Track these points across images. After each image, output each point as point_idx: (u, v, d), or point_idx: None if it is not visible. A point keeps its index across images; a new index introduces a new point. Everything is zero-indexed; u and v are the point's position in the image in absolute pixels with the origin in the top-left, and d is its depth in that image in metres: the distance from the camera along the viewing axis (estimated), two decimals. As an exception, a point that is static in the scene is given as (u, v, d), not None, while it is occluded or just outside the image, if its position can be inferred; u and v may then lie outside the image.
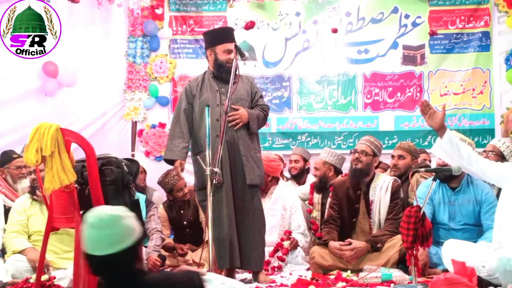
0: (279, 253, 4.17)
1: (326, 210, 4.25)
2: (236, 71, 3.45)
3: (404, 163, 4.35)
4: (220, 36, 3.75)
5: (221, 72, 3.65)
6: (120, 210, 1.85)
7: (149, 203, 4.37)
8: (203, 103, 3.60)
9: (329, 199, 4.27)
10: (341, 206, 4.03)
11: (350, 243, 3.78)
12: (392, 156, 4.48)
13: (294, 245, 4.24)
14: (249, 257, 3.53)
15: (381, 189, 3.95)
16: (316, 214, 4.56)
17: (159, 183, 4.60)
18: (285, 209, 4.44)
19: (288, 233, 4.32)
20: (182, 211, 4.60)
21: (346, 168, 4.63)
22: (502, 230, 3.14)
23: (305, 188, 4.83)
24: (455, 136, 3.28)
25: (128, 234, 1.80)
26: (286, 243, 4.23)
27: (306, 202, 4.70)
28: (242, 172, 3.57)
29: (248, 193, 3.59)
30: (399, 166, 4.35)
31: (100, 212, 1.81)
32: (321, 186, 4.60)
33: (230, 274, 3.52)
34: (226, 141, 3.51)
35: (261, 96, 3.86)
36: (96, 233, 1.75)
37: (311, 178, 4.96)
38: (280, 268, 4.08)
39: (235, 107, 3.59)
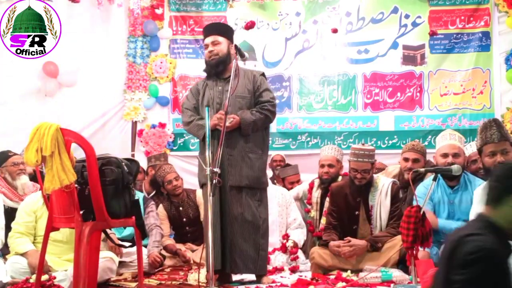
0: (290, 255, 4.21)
1: (325, 216, 4.23)
2: (236, 71, 3.34)
3: (420, 166, 4.24)
4: (204, 32, 3.73)
5: (209, 68, 3.62)
6: None
7: (146, 200, 4.39)
8: (204, 102, 3.57)
9: (326, 202, 4.26)
10: (340, 213, 4.00)
11: (349, 241, 3.79)
12: (406, 159, 4.26)
13: (295, 246, 4.27)
14: (235, 260, 3.38)
15: (380, 193, 3.93)
16: (314, 214, 4.51)
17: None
18: (280, 205, 4.48)
19: (286, 237, 4.34)
20: (181, 208, 4.61)
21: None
22: None
23: (302, 187, 4.80)
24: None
25: None
26: (289, 242, 4.27)
27: (305, 201, 4.69)
28: (227, 174, 3.44)
29: (231, 195, 3.44)
30: (415, 169, 4.22)
31: None
32: (328, 185, 4.33)
33: (223, 277, 3.47)
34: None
35: (266, 90, 3.60)
36: None
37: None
38: (297, 268, 4.06)
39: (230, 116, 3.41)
